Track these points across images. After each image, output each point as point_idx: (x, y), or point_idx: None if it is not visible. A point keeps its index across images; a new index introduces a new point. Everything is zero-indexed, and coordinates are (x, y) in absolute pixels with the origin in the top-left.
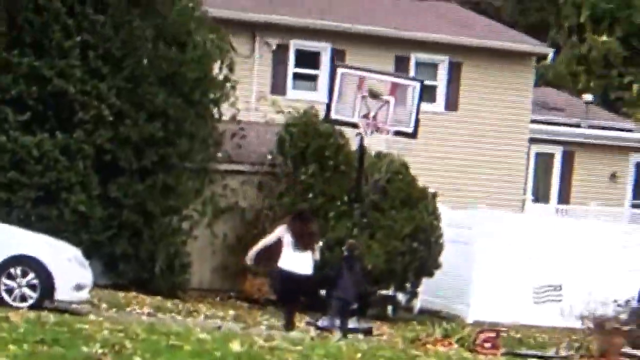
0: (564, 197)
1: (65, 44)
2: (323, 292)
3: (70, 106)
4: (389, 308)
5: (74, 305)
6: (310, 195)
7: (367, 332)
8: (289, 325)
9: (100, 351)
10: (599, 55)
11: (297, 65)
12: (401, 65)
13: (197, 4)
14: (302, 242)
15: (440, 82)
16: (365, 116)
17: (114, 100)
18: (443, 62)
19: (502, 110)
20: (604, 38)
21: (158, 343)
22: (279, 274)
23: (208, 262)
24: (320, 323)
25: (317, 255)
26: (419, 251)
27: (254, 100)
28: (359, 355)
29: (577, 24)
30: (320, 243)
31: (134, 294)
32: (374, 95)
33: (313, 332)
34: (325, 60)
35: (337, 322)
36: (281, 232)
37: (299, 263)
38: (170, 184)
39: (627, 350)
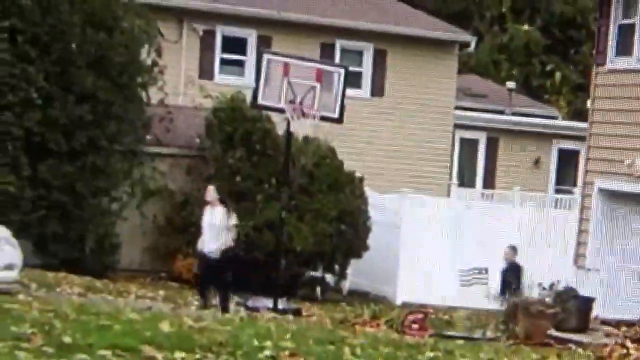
0: (489, 182)
1: None
2: None
3: None
4: (318, 289)
5: (3, 286)
6: (238, 178)
7: (297, 312)
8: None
9: (29, 331)
10: (520, 44)
11: (224, 51)
12: (326, 52)
13: None
14: None
15: (366, 69)
16: (292, 101)
17: (43, 84)
18: (368, 50)
19: (426, 96)
20: (525, 27)
21: (88, 323)
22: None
23: (138, 243)
24: (249, 303)
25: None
26: (347, 233)
27: (182, 84)
28: (288, 335)
29: (498, 14)
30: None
31: (64, 274)
32: None
33: (243, 312)
34: (251, 46)
35: (267, 302)
36: None
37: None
38: (99, 165)
39: (552, 332)
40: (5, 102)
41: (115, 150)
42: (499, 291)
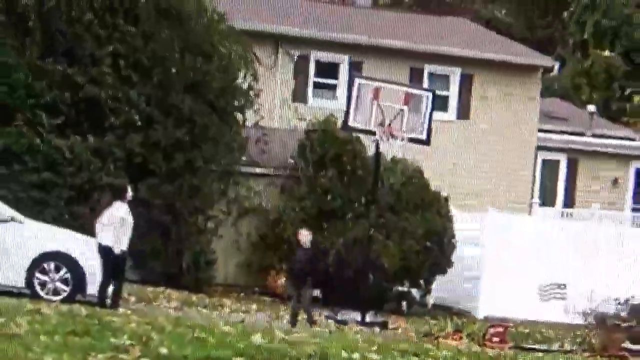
0: (569, 201)
1: (97, 52)
2: None
3: (102, 111)
4: (404, 303)
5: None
6: (329, 197)
7: (383, 325)
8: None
9: (128, 342)
10: (601, 69)
11: (317, 75)
12: (415, 77)
13: (222, 18)
14: None
15: (453, 93)
16: (381, 124)
17: (144, 107)
18: (455, 74)
19: (511, 119)
20: (606, 53)
21: (184, 335)
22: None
23: (233, 259)
24: (339, 316)
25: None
26: (433, 250)
27: (277, 107)
28: (374, 347)
29: (581, 40)
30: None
31: (162, 288)
32: None
33: (332, 325)
34: (343, 71)
35: (356, 315)
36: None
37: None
38: (197, 185)
39: (627, 345)
40: (108, 124)
41: (212, 171)
42: None
